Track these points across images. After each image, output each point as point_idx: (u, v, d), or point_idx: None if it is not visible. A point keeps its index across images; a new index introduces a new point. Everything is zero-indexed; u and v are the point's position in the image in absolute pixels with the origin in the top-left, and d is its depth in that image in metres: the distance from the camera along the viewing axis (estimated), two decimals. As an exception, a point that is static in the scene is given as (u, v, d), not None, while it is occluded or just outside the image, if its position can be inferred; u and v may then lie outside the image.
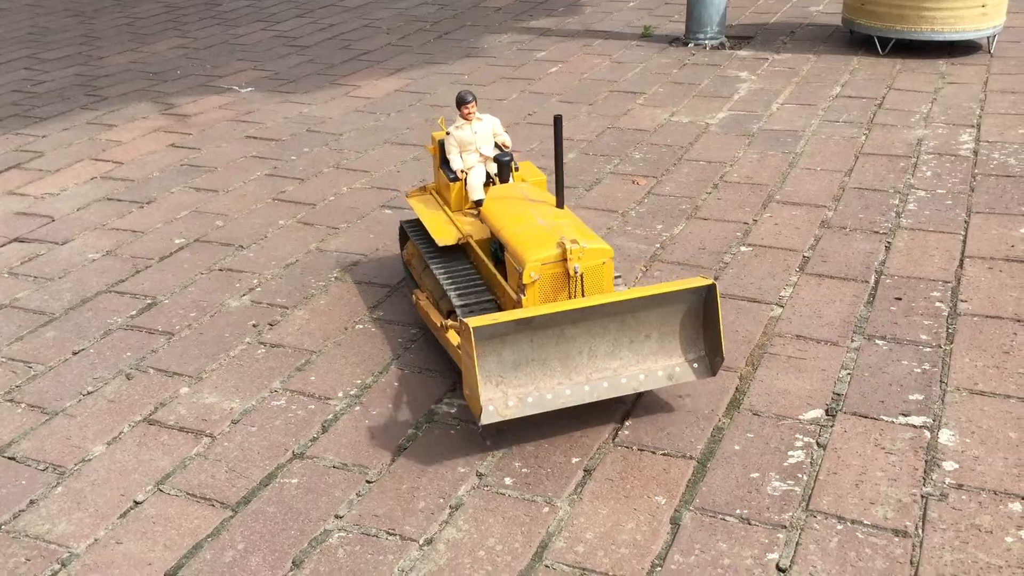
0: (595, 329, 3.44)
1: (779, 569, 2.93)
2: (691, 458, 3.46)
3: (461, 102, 4.14)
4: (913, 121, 6.77)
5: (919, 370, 3.89)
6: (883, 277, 4.65)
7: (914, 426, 3.56)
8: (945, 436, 3.49)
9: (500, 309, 3.74)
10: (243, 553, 3.12)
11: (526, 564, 3.00)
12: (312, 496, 3.36)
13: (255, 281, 4.97)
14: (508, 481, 3.38)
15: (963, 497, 3.19)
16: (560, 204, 3.85)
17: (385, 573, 2.99)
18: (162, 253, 5.38)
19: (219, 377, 4.12)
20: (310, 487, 3.40)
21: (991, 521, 3.08)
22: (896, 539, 3.03)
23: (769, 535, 3.07)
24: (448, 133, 4.21)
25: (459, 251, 4.19)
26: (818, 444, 3.50)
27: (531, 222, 3.72)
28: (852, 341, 4.13)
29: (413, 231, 4.47)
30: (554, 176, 3.88)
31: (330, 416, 3.81)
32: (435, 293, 4.07)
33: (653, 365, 3.56)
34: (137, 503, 3.40)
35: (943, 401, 3.69)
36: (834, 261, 4.84)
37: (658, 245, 5.13)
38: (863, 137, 6.52)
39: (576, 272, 3.51)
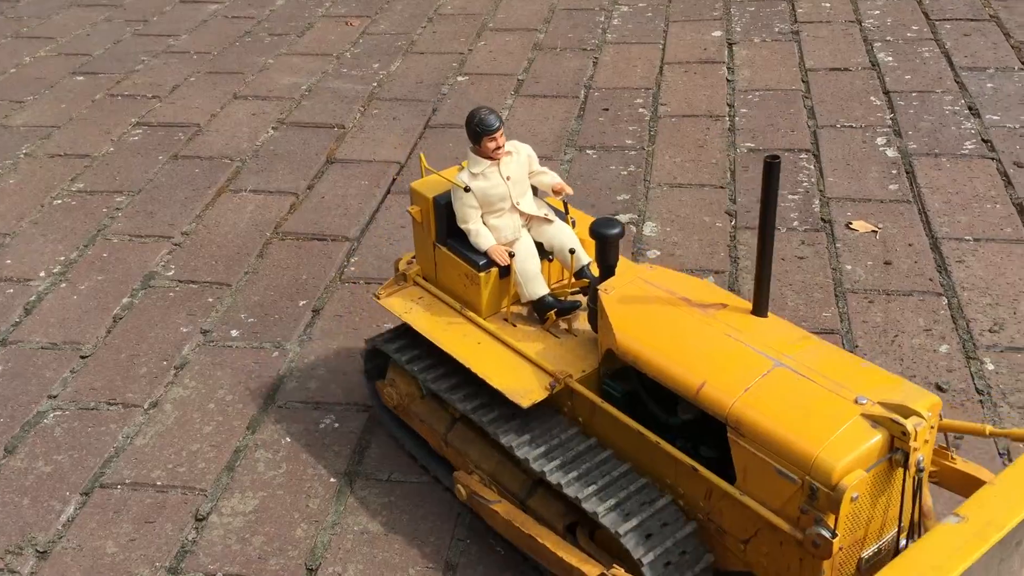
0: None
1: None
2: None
3: (483, 131, 2.37)
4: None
5: (625, 172, 4.11)
6: (592, 91, 4.81)
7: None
8: (648, 228, 3.74)
9: (688, 516, 2.15)
10: (-52, 452, 2.90)
11: (258, 409, 2.97)
12: (20, 381, 3.13)
13: (-70, 169, 4.45)
14: (235, 333, 3.30)
15: (665, 280, 3.46)
16: (762, 309, 2.19)
17: (108, 443, 2.88)
18: None
19: (-102, 277, 3.70)
20: (17, 372, 3.17)
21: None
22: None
23: (493, 341, 3.21)
24: (466, 189, 2.39)
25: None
26: (536, 253, 3.65)
27: (772, 370, 2.03)
28: (565, 154, 4.28)
29: (416, 363, 2.59)
30: (756, 262, 2.15)
31: (32, 298, 3.53)
32: (510, 480, 2.44)
33: None
34: None
35: (647, 197, 3.93)
36: (546, 81, 4.94)
37: (375, 84, 5.03)
38: (571, -41, 6.60)
39: (919, 467, 1.91)
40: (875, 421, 1.88)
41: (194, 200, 4.09)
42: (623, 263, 2.39)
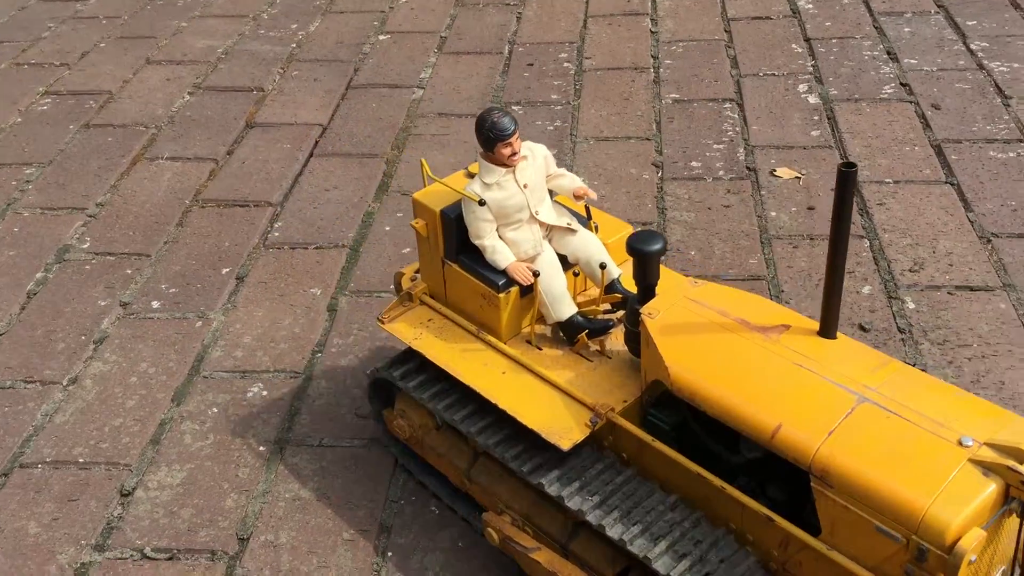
0: None
1: (433, 330, 3.04)
2: (344, 247, 3.44)
3: (497, 136, 2.09)
4: None
5: (552, 127, 4.08)
6: (516, 47, 4.75)
7: (549, 179, 3.76)
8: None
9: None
10: None
11: (182, 381, 2.90)
12: (-71, 364, 3.01)
13: None
14: (156, 304, 3.21)
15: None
16: (831, 330, 1.95)
17: (26, 421, 2.78)
18: None
19: None
20: (-74, 355, 3.05)
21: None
22: (538, 281, 3.23)
23: (422, 302, 3.17)
24: (480, 202, 2.13)
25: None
26: (464, 211, 3.61)
27: (857, 407, 1.79)
28: (491, 111, 4.22)
29: (429, 391, 2.32)
30: (826, 277, 1.89)
31: (-61, 277, 3.39)
32: (548, 522, 2.17)
33: None
34: None
35: (573, 152, 3.91)
36: (470, 38, 4.86)
37: (294, 45, 4.90)
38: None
39: None
40: (987, 468, 1.63)
41: (108, 170, 3.95)
42: (663, 276, 2.12)
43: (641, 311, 2.03)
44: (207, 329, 3.09)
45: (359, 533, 2.41)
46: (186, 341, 3.05)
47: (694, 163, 3.78)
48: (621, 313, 2.22)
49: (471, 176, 2.24)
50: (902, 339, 2.89)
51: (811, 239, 3.33)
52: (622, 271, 2.22)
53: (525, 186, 2.15)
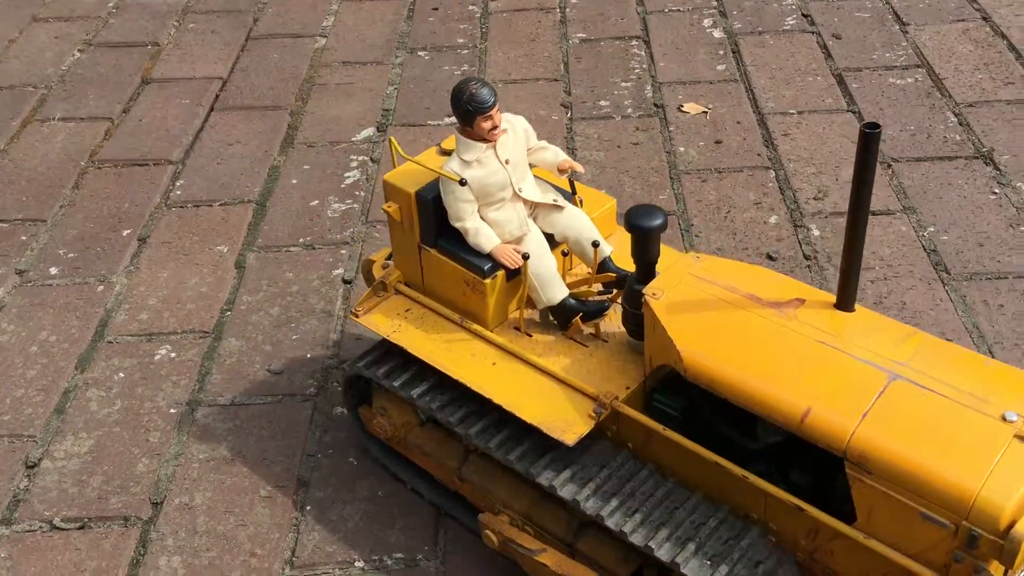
0: None
1: (345, 281, 3.00)
2: (250, 202, 3.36)
3: (476, 109, 1.94)
4: None
5: (459, 72, 4.01)
6: (420, -10, 4.65)
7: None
8: (486, 127, 3.68)
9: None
10: None
11: (86, 347, 2.81)
12: None
13: None
14: (54, 271, 3.09)
15: (504, 177, 3.42)
16: (849, 302, 1.84)
17: (-80, 399, 2.68)
18: None
19: None
20: None
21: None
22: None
23: (333, 253, 3.11)
24: (461, 182, 1.97)
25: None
26: (372, 160, 3.54)
27: (889, 385, 1.69)
28: (396, 57, 4.14)
29: (412, 386, 2.14)
30: (844, 246, 1.76)
31: None
32: (551, 520, 2.05)
33: None
34: None
35: (482, 96, 3.86)
36: (372, -17, 4.74)
37: (189, -4, 4.72)
38: None
39: None
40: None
41: (-4, 134, 3.77)
42: (662, 254, 1.97)
43: (644, 292, 1.89)
44: (109, 293, 3.00)
45: (276, 489, 2.39)
46: (88, 306, 2.95)
47: (603, 102, 3.77)
48: (616, 293, 2.11)
49: (445, 153, 2.10)
50: (807, 266, 2.95)
51: (719, 172, 3.36)
52: (613, 248, 2.12)
53: (507, 162, 2.00)
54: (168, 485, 2.41)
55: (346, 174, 3.48)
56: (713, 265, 1.94)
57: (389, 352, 2.20)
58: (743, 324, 1.80)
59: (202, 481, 2.42)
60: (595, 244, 2.04)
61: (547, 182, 2.14)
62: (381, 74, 4.03)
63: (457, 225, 2.03)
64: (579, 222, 2.09)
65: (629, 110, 3.71)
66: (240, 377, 2.69)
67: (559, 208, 2.09)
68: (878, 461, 1.59)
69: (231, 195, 3.39)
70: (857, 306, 1.83)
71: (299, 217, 3.27)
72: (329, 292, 2.96)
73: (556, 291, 2.06)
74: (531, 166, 2.11)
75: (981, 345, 2.64)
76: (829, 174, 3.31)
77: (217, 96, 3.96)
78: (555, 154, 2.10)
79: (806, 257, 2.97)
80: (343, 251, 3.12)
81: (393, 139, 2.11)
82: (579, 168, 2.10)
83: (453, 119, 3.58)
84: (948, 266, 2.90)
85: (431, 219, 2.07)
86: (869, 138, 1.58)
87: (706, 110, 3.68)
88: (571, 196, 2.15)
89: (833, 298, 1.83)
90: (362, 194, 3.37)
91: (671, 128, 3.60)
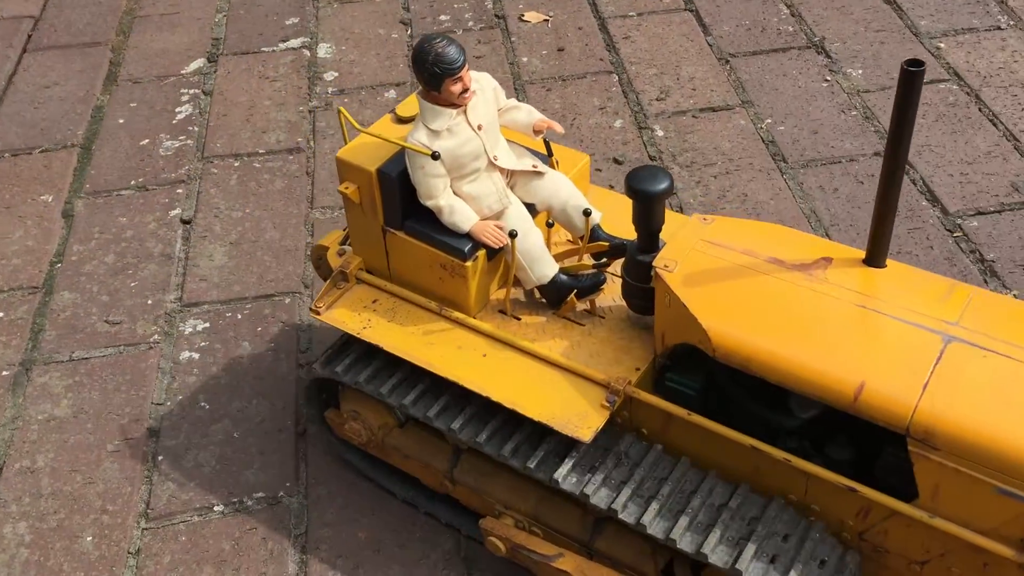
0: None
1: (183, 221, 2.86)
2: (74, 146, 3.15)
3: (445, 71, 1.69)
4: None
5: (291, -6, 3.83)
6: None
7: (294, 49, 3.55)
8: (323, 50, 3.53)
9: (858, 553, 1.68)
10: None
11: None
12: None
13: None
14: None
15: (346, 100, 3.31)
16: (880, 257, 1.66)
17: None
18: None
19: None
20: None
21: (372, 114, 3.23)
22: (291, 157, 3.09)
23: (169, 193, 2.96)
24: (434, 156, 1.73)
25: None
26: (204, 93, 3.37)
27: (946, 348, 1.53)
28: (223, -17, 3.92)
29: (388, 385, 1.90)
30: (878, 197, 1.59)
31: None
32: (563, 520, 1.85)
33: None
34: None
35: (317, 18, 3.70)
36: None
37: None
38: None
39: None
40: None
41: None
42: (667, 218, 1.74)
43: (655, 265, 1.68)
44: (-76, 256, 2.78)
45: (125, 442, 2.29)
46: (-99, 273, 2.73)
47: (443, 16, 3.67)
48: (608, 262, 1.91)
49: (402, 121, 1.87)
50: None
51: (563, 80, 3.32)
52: (602, 214, 1.90)
53: (479, 127, 1.76)
54: (7, 450, 2.28)
55: (177, 109, 3.29)
56: (725, 227, 1.73)
57: (350, 347, 1.94)
58: (771, 292, 1.61)
59: (43, 442, 2.29)
60: (587, 212, 1.84)
61: (521, 145, 1.90)
62: (208, 2, 3.81)
63: (429, 204, 1.79)
64: (562, 189, 1.87)
65: (470, 23, 3.62)
66: (77, 331, 2.55)
67: (539, 174, 1.86)
68: (946, 436, 1.44)
69: (52, 140, 3.17)
70: (889, 261, 1.65)
71: (129, 158, 3.09)
72: (167, 234, 2.82)
73: (546, 268, 1.84)
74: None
75: (819, 228, 2.72)
76: (671, 74, 3.32)
77: (29, 36, 3.67)
78: (528, 113, 1.86)
79: (651, 158, 2.99)
80: (179, 190, 2.97)
81: (343, 109, 1.84)
82: (558, 128, 1.87)
83: (289, 44, 3.45)
84: (785, 155, 2.97)
85: (396, 198, 1.81)
86: (912, 76, 1.40)
87: (547, 18, 3.62)
88: (547, 159, 1.92)
89: (861, 253, 1.65)
90: (196, 129, 3.20)
91: (513, 39, 3.53)
